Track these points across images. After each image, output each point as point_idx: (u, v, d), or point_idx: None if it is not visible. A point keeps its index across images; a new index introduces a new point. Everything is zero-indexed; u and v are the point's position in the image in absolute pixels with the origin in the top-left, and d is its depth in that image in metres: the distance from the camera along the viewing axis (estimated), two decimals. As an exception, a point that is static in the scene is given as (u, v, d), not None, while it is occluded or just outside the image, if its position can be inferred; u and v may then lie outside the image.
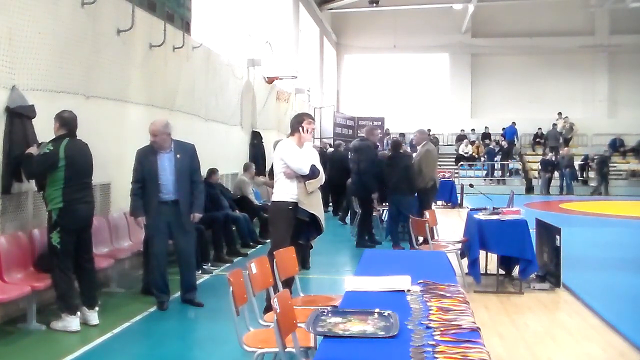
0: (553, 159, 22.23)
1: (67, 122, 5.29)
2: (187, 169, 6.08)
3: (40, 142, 5.46)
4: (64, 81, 6.19)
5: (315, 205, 5.56)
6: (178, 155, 6.03)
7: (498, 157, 24.19)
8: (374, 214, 10.38)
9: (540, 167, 22.27)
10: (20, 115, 5.42)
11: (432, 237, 7.11)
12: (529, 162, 24.93)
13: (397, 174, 9.18)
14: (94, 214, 5.60)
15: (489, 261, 7.35)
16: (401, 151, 9.83)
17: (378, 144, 12.24)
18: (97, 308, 5.44)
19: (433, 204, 10.20)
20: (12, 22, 5.43)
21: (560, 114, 25.47)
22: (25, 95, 5.52)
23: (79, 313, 5.25)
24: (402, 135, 21.71)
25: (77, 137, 5.36)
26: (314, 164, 5.50)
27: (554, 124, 25.15)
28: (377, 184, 9.56)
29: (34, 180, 5.46)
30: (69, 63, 6.28)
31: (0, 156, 5.33)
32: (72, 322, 5.17)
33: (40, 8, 5.80)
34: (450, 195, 17.30)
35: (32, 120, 5.54)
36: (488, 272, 7.23)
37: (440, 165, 22.95)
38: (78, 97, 6.45)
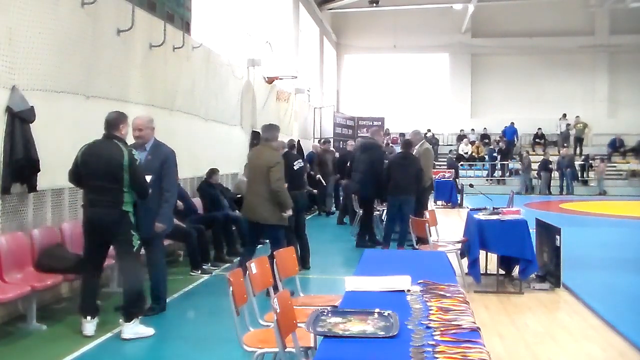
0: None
1: (105, 124, 5.09)
2: (155, 174, 5.51)
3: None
4: (64, 81, 6.18)
5: None
6: (149, 157, 5.62)
7: (498, 157, 24.17)
8: (374, 214, 10.37)
9: (539, 167, 22.26)
10: (21, 119, 5.40)
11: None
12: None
13: (408, 174, 8.91)
14: (115, 221, 4.95)
15: (489, 261, 7.35)
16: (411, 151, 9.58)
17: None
18: (127, 323, 5.03)
19: (433, 203, 10.19)
20: (12, 22, 5.43)
21: (565, 115, 25.34)
22: (25, 95, 5.51)
23: (89, 317, 5.10)
24: (402, 135, 21.69)
25: (109, 138, 5.03)
26: None
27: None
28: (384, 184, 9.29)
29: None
30: (69, 63, 6.27)
31: (0, 156, 5.33)
32: (84, 325, 5.08)
33: (40, 8, 5.79)
34: (450, 195, 17.33)
35: (31, 123, 5.50)
36: (488, 272, 7.23)
37: (440, 165, 23.07)
38: (78, 97, 6.44)
